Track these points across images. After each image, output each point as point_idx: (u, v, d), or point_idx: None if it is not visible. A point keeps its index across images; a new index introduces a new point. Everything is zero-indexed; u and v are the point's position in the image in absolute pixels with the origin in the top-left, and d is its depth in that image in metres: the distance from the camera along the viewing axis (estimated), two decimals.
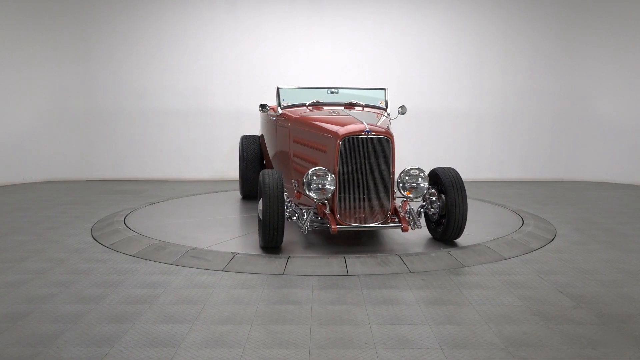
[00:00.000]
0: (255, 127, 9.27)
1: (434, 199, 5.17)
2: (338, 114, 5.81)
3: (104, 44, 9.89)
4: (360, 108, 6.30)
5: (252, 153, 7.49)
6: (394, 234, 5.51)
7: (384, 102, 6.36)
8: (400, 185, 4.94)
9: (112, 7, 9.83)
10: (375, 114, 5.96)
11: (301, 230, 4.93)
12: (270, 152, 6.99)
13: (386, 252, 4.86)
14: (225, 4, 9.80)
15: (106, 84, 9.94)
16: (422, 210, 5.16)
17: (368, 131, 4.83)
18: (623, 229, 6.07)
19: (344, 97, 6.45)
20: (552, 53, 9.82)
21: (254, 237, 5.37)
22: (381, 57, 9.84)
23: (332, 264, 4.54)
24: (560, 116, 9.94)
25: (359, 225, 4.87)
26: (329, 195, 4.79)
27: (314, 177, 4.77)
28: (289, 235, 5.27)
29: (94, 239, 5.56)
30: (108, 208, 7.14)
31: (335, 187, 4.82)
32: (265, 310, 3.61)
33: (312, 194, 4.78)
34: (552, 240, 5.53)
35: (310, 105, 6.34)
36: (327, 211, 4.88)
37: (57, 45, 9.77)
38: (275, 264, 4.54)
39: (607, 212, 6.98)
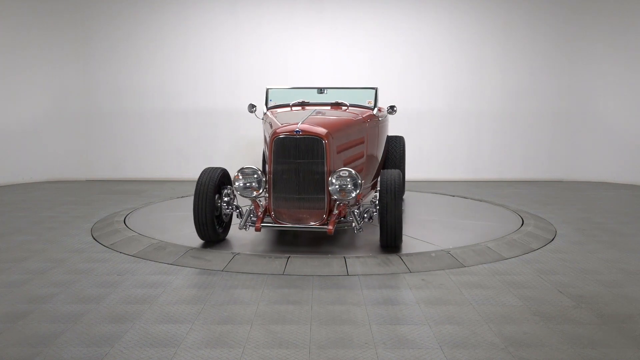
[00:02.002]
0: (255, 127, 9.28)
1: (377, 202, 4.94)
2: (323, 113, 5.82)
3: (104, 44, 9.89)
4: (346, 107, 6.27)
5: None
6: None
7: (372, 102, 6.28)
8: (330, 187, 4.75)
9: (112, 7, 9.83)
10: (352, 113, 5.92)
11: (238, 227, 4.97)
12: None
13: (331, 253, 4.85)
14: (225, 4, 9.79)
15: (106, 84, 9.94)
16: (366, 213, 4.98)
17: (298, 131, 4.79)
18: (623, 229, 6.07)
19: (332, 97, 6.44)
20: (552, 53, 9.81)
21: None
22: (381, 57, 9.83)
23: (332, 264, 4.54)
24: (560, 116, 9.93)
25: (283, 224, 4.85)
26: (254, 193, 4.86)
27: (240, 176, 4.90)
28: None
29: (94, 239, 5.56)
30: (108, 208, 7.14)
31: (269, 186, 4.87)
32: (265, 310, 3.61)
33: (238, 192, 4.91)
34: (552, 240, 5.53)
35: (293, 105, 6.33)
36: (260, 210, 4.93)
37: (57, 45, 9.77)
38: (275, 264, 4.54)
39: (607, 212, 6.98)
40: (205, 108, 9.92)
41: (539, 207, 7.19)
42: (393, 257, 4.66)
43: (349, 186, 4.69)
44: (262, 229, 4.82)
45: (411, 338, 3.18)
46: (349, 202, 4.81)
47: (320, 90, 6.45)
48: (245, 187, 4.89)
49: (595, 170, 9.88)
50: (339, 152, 5.06)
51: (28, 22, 9.50)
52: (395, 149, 7.30)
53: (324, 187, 4.80)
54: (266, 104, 6.53)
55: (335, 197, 4.72)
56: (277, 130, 4.89)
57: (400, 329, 3.31)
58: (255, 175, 4.86)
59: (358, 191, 4.69)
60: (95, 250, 5.12)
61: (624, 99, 9.58)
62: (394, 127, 8.52)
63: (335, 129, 5.12)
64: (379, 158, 6.71)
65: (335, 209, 4.84)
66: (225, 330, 3.28)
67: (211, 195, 4.93)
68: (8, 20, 9.33)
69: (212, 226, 4.98)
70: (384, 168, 7.30)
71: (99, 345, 3.08)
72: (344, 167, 4.97)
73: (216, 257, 4.70)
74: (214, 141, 9.94)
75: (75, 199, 8.01)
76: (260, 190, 4.87)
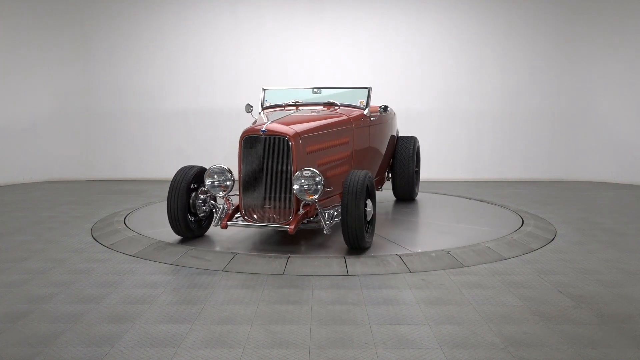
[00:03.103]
0: None
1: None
2: (318, 112, 5.88)
3: (104, 44, 9.90)
4: (337, 107, 6.26)
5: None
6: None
7: (364, 102, 6.26)
8: (294, 187, 4.75)
9: (112, 7, 9.83)
10: (338, 114, 5.91)
11: (213, 224, 5.18)
12: None
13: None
14: (225, 4, 9.80)
15: (106, 84, 9.94)
16: (334, 213, 4.97)
17: (264, 131, 4.84)
18: (623, 229, 6.07)
19: (327, 97, 6.44)
20: (552, 53, 9.81)
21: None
22: (381, 57, 9.83)
23: (332, 264, 4.54)
24: (560, 116, 9.93)
25: (251, 223, 4.96)
26: (222, 192, 5.05)
27: (209, 174, 5.08)
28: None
29: (94, 239, 5.56)
30: (108, 208, 7.14)
31: (239, 186, 4.97)
32: (265, 310, 3.61)
33: (208, 190, 5.10)
34: (552, 240, 5.53)
35: (286, 105, 6.37)
36: (231, 207, 5.09)
37: (57, 45, 9.77)
38: (275, 264, 4.54)
39: (607, 212, 6.98)
40: (205, 108, 9.92)
41: (539, 207, 7.19)
42: (393, 257, 4.66)
43: (312, 186, 4.69)
44: (244, 227, 5.12)
45: (411, 338, 3.18)
46: (313, 202, 4.80)
47: (315, 91, 6.46)
48: (213, 186, 5.07)
49: (595, 170, 9.88)
50: (310, 153, 5.05)
51: (28, 22, 9.50)
52: (404, 150, 7.20)
53: (290, 187, 4.83)
54: (262, 104, 6.56)
55: (299, 197, 4.75)
56: (246, 130, 4.98)
57: (400, 329, 3.31)
58: (223, 174, 5.05)
59: (320, 191, 4.69)
60: (95, 250, 5.12)
61: (624, 99, 9.58)
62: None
63: (306, 129, 5.12)
64: (378, 158, 6.67)
65: (301, 209, 4.85)
66: (225, 330, 3.28)
67: (183, 193, 5.09)
68: (8, 21, 9.33)
69: (184, 222, 5.13)
70: (392, 169, 7.27)
71: (99, 345, 3.08)
72: (317, 167, 4.98)
73: (216, 257, 4.70)
74: (214, 141, 9.94)
75: (75, 199, 8.01)
76: (229, 189, 5.05)
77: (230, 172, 5.08)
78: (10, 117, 9.44)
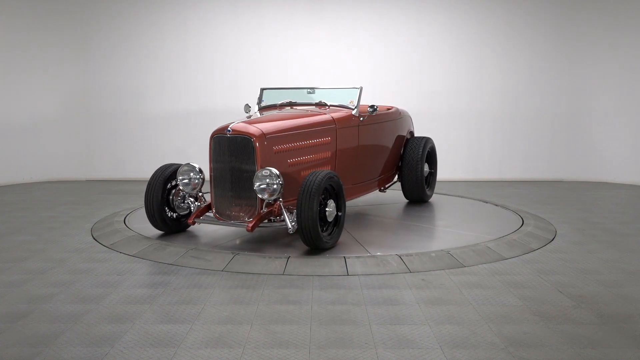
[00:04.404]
0: None
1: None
2: (306, 112, 5.96)
3: (104, 44, 9.89)
4: (327, 107, 6.27)
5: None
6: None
7: (354, 102, 6.24)
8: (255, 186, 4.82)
9: (112, 7, 9.82)
10: (320, 114, 5.93)
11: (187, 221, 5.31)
12: None
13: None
14: (225, 4, 9.79)
15: (106, 84, 9.93)
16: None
17: (229, 130, 4.98)
18: (623, 229, 6.07)
19: (319, 97, 6.45)
20: (552, 52, 9.81)
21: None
22: (381, 57, 9.83)
23: (332, 264, 4.54)
24: (560, 116, 9.93)
25: (211, 220, 5.14)
26: (192, 190, 5.26)
27: (180, 172, 5.28)
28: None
29: (94, 239, 5.56)
30: (108, 208, 7.15)
31: (210, 184, 5.12)
32: (265, 310, 3.61)
33: (180, 187, 5.33)
34: (552, 240, 5.53)
35: (280, 105, 6.43)
36: (203, 205, 5.28)
37: (57, 46, 9.76)
38: (275, 264, 4.54)
39: (607, 212, 6.98)
40: (205, 108, 9.92)
41: (539, 207, 7.19)
42: (393, 257, 4.67)
43: (271, 186, 4.73)
44: (208, 224, 5.28)
45: (411, 338, 3.18)
46: (272, 201, 4.85)
47: (310, 91, 6.50)
48: (184, 183, 5.28)
49: (595, 170, 9.88)
50: (278, 153, 5.08)
51: (28, 22, 9.50)
52: (412, 151, 7.04)
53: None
54: (258, 103, 6.62)
55: (260, 196, 4.80)
56: (215, 130, 5.12)
57: (400, 329, 3.31)
58: (192, 173, 5.26)
59: (278, 191, 4.73)
60: (95, 250, 5.12)
61: (624, 98, 9.58)
62: None
63: (274, 129, 5.15)
64: (375, 158, 6.59)
65: (264, 208, 4.89)
66: (225, 330, 3.28)
67: (159, 189, 5.32)
68: (8, 21, 9.32)
69: (160, 216, 5.34)
70: (400, 170, 7.14)
71: (99, 345, 3.08)
72: (288, 167, 5.08)
73: (216, 257, 4.70)
74: None
75: (75, 199, 8.01)
76: (198, 187, 5.27)
77: (200, 171, 5.28)
78: (10, 117, 9.44)
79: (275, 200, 4.84)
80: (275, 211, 4.87)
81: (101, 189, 8.88)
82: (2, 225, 6.23)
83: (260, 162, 4.88)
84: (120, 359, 2.91)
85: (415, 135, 7.72)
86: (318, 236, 4.69)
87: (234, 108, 9.74)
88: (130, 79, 9.92)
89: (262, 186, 4.74)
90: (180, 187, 5.34)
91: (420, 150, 7.05)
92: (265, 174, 4.73)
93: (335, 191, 4.98)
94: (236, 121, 5.17)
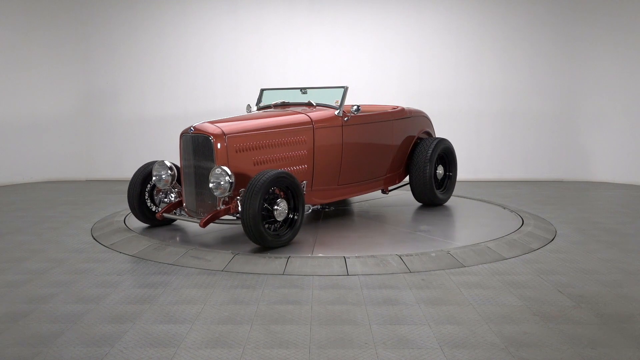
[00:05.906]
0: None
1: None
2: (297, 111, 6.07)
3: (104, 44, 9.90)
4: (313, 107, 6.29)
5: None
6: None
7: (339, 101, 6.21)
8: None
9: (112, 8, 9.83)
10: (298, 113, 5.98)
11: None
12: None
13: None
14: (225, 4, 9.80)
15: (106, 84, 9.94)
16: None
17: (191, 129, 5.22)
18: (623, 229, 6.07)
19: (310, 96, 6.48)
20: (552, 52, 9.81)
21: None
22: (381, 57, 9.83)
23: (332, 264, 4.54)
24: (560, 116, 9.93)
25: (174, 216, 5.45)
26: (164, 185, 5.49)
27: (154, 168, 5.52)
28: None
29: (94, 239, 5.57)
30: (108, 208, 7.15)
31: (181, 181, 5.37)
32: (265, 310, 3.61)
33: (154, 183, 5.60)
34: (552, 240, 5.53)
35: (274, 105, 6.54)
36: (174, 200, 5.56)
37: (57, 46, 9.77)
38: (275, 264, 4.54)
39: (607, 212, 6.98)
40: (205, 108, 9.92)
41: (539, 207, 7.18)
42: (393, 257, 4.66)
43: (221, 184, 4.86)
44: (172, 219, 5.63)
45: (411, 338, 3.18)
46: (229, 199, 4.99)
47: (303, 91, 6.56)
48: (155, 180, 5.52)
49: (595, 170, 9.88)
50: (240, 152, 5.16)
51: (28, 22, 9.50)
52: (421, 152, 6.85)
53: None
54: (257, 104, 6.72)
55: (215, 193, 4.94)
56: (184, 129, 5.36)
57: (400, 329, 3.31)
58: (162, 170, 5.50)
59: (227, 189, 4.84)
60: (95, 250, 5.12)
61: (623, 98, 9.58)
62: None
63: (236, 128, 5.25)
64: (370, 158, 6.50)
65: (221, 205, 5.02)
66: (225, 330, 3.28)
67: (139, 183, 5.61)
68: (8, 21, 9.33)
69: (140, 210, 5.63)
70: (409, 171, 6.99)
71: (99, 345, 3.08)
72: (254, 166, 5.20)
73: (216, 257, 4.70)
74: None
75: (75, 199, 8.01)
76: (169, 183, 5.50)
77: (171, 168, 5.51)
78: (10, 117, 9.44)
79: (232, 198, 4.97)
80: (232, 209, 4.99)
81: (101, 189, 8.88)
82: (2, 225, 6.23)
83: (219, 160, 5.01)
84: (120, 359, 2.91)
85: (436, 135, 7.62)
86: (260, 234, 4.73)
87: (234, 108, 9.76)
88: (130, 79, 9.93)
89: (212, 184, 4.90)
90: (154, 183, 5.62)
91: (430, 151, 6.80)
92: (217, 172, 4.88)
93: (291, 191, 5.03)
94: (202, 121, 5.38)
